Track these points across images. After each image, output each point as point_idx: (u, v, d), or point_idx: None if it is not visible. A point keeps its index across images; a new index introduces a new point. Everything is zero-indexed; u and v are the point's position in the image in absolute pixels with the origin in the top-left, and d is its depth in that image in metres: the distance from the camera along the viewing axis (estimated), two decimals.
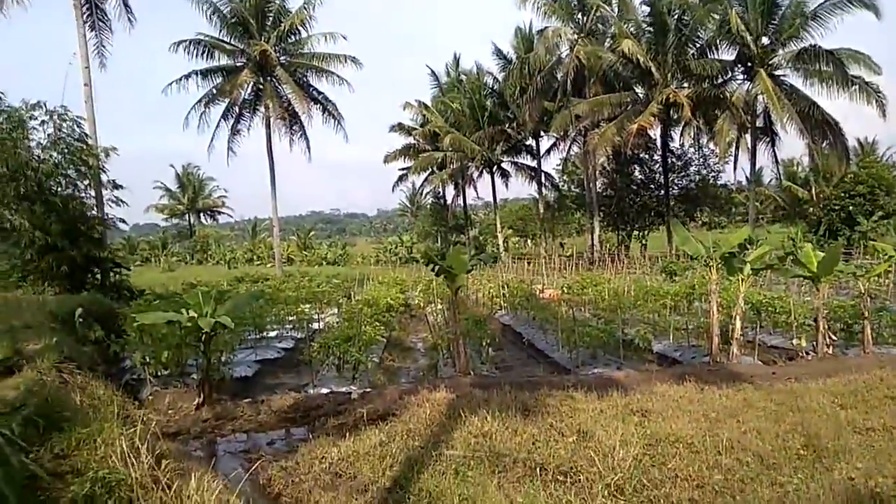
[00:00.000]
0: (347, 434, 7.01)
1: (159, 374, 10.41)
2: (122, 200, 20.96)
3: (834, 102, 34.57)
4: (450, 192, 57.34)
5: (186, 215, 79.41)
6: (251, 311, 13.70)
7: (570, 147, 47.49)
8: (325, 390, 9.64)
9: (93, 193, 20.41)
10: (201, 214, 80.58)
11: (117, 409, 7.14)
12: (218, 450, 7.93)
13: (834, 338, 11.18)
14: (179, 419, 8.74)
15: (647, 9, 37.84)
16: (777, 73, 34.99)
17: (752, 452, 5.82)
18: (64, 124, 18.71)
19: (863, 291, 11.41)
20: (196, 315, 8.75)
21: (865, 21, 32.62)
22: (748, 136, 37.35)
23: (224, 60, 38.33)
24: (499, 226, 55.85)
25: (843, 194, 37.19)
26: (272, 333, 15.41)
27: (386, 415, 7.96)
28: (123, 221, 23.18)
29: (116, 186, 20.77)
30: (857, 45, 33.25)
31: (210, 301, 9.20)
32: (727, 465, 5.57)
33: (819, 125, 34.72)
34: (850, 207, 36.37)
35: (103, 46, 26.10)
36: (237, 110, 39.18)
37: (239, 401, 9.16)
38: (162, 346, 10.11)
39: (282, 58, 38.59)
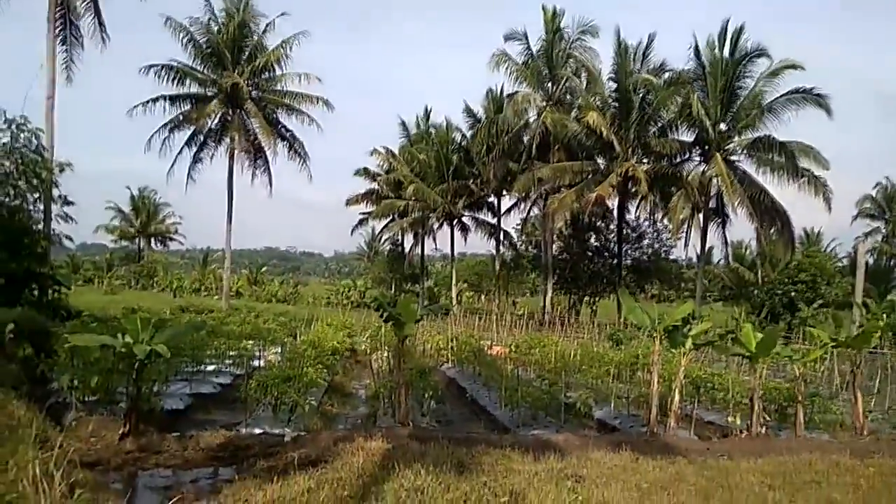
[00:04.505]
0: (276, 478, 6.78)
1: (86, 399, 9.98)
2: (71, 217, 20.47)
3: (784, 191, 36.12)
4: (408, 240, 57.52)
5: (137, 239, 77.41)
6: (190, 342, 13.31)
7: (530, 208, 48.42)
8: (257, 431, 9.36)
9: (42, 207, 19.87)
10: (152, 239, 78.65)
11: (36, 432, 6.81)
12: (138, 484, 7.59)
13: (768, 418, 11.41)
14: (101, 448, 8.35)
15: (613, 85, 39.38)
16: (732, 158, 36.55)
17: None
18: (22, 135, 18.31)
19: (798, 375, 11.73)
20: (132, 341, 8.48)
21: (818, 118, 34.58)
22: (701, 216, 38.62)
23: (194, 88, 38.26)
24: (454, 279, 56.01)
25: (786, 280, 38.45)
26: (210, 367, 14.99)
27: (318, 461, 7.75)
28: (70, 239, 22.51)
29: (67, 202, 20.30)
30: (809, 139, 35.10)
31: (148, 328, 8.93)
32: None
33: (768, 211, 36.20)
34: (793, 293, 37.58)
35: (72, 62, 25.88)
36: (202, 139, 38.93)
37: (166, 434, 8.81)
38: (92, 370, 9.73)
39: (253, 92, 38.70)
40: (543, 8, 42.11)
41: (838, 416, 12.36)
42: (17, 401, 8.24)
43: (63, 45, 25.58)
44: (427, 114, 54.18)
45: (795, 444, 10.04)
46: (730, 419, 11.64)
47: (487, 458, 7.76)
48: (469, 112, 49.38)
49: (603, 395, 14.12)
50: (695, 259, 43.30)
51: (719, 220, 39.23)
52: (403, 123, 54.08)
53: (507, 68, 42.29)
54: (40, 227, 19.55)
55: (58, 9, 24.92)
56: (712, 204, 38.28)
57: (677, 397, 10.74)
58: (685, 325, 11.34)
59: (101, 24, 26.41)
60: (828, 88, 42.24)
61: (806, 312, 35.45)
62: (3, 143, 18.02)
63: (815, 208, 36.53)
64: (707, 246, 40.29)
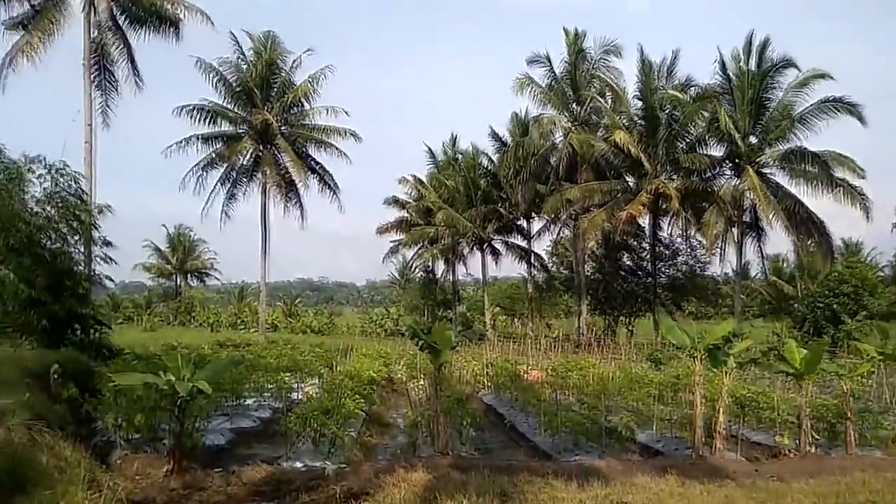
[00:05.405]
0: None
1: (131, 437, 10.11)
2: (110, 258, 20.88)
3: (819, 201, 35.50)
4: (440, 267, 57.70)
5: (174, 276, 78.80)
6: (230, 377, 13.44)
7: (560, 230, 48.33)
8: (299, 464, 9.39)
9: (82, 249, 20.33)
10: (189, 276, 79.99)
11: (84, 472, 6.92)
12: None
13: (817, 437, 11.08)
14: (147, 486, 8.43)
15: (639, 103, 39.32)
16: (764, 170, 36.06)
17: None
18: (61, 179, 18.79)
19: (846, 391, 11.39)
20: (174, 378, 8.61)
21: (851, 125, 33.97)
22: (735, 230, 38.04)
23: (226, 127, 39.20)
24: (487, 303, 55.85)
25: (827, 292, 37.49)
26: (250, 401, 15.10)
27: (360, 494, 7.73)
28: (110, 279, 23.02)
29: (106, 243, 20.72)
30: (844, 147, 34.46)
31: (189, 364, 9.06)
32: None
33: (804, 223, 35.53)
34: (835, 306, 36.58)
35: (108, 107, 26.69)
36: (234, 175, 39.77)
37: (210, 471, 8.88)
38: (136, 408, 9.86)
39: (283, 128, 39.50)
40: (565, 30, 42.46)
41: (891, 432, 11.97)
42: (65, 441, 8.38)
43: (99, 90, 26.46)
44: (454, 140, 54.71)
45: (848, 463, 9.73)
46: (777, 439, 11.34)
47: (530, 487, 7.66)
48: (495, 136, 49.75)
49: (645, 418, 13.85)
50: (731, 274, 42.62)
51: (755, 234, 38.60)
52: (430, 151, 54.65)
53: (531, 91, 42.56)
54: (81, 268, 19.98)
55: (93, 56, 25.83)
56: (746, 218, 37.72)
57: (722, 418, 10.49)
58: (726, 344, 11.13)
59: (135, 69, 27.28)
60: (860, 93, 41.59)
61: (850, 325, 34.48)
62: (45, 188, 18.55)
63: (853, 217, 35.67)
64: (744, 260, 39.68)
